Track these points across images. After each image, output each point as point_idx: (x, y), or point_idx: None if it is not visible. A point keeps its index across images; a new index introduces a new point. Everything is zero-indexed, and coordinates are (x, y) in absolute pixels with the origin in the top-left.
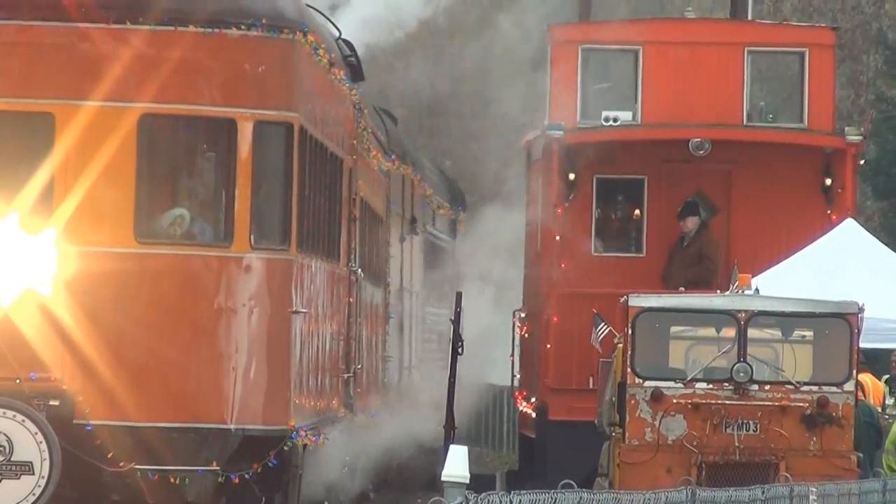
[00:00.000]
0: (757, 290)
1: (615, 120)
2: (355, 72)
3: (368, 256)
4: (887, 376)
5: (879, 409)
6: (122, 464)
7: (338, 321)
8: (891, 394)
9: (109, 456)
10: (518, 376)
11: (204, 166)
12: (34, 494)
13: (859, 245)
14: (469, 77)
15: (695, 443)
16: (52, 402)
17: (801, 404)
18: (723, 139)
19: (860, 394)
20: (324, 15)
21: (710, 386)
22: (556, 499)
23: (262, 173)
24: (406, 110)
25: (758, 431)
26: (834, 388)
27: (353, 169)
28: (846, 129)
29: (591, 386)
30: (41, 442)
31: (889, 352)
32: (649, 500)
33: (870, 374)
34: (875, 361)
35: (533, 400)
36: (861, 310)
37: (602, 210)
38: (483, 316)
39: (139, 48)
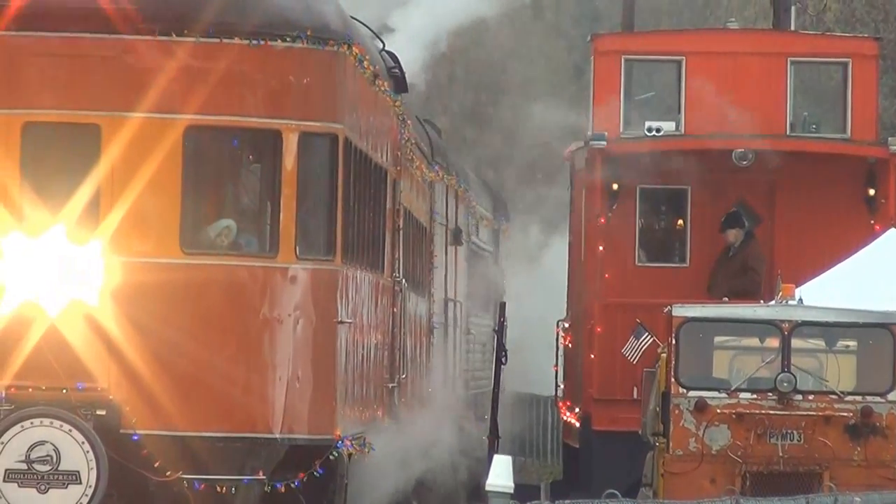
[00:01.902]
0: (800, 300)
1: (658, 130)
2: (399, 83)
3: (412, 267)
4: None
5: None
6: (168, 473)
7: (382, 331)
8: None
9: (156, 465)
10: (561, 386)
11: (249, 177)
12: (81, 503)
13: None
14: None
15: (739, 453)
16: (98, 412)
17: (845, 414)
18: (766, 150)
19: None
20: (368, 27)
21: (754, 396)
22: None
23: (307, 184)
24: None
25: (801, 441)
26: (878, 398)
27: (397, 180)
28: (889, 139)
29: (634, 396)
30: (88, 451)
31: None
32: None
33: None
34: None
35: (577, 410)
36: None
37: (645, 220)
38: (526, 326)
39: (185, 60)
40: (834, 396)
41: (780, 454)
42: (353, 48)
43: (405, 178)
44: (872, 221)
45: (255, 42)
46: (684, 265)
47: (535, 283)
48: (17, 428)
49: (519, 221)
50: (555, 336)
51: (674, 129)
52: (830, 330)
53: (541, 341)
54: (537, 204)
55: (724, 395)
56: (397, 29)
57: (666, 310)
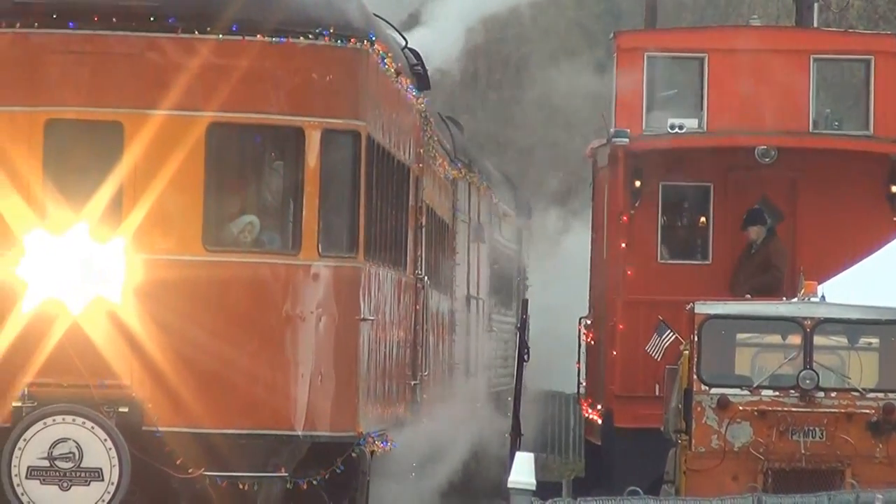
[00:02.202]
0: (823, 297)
1: (681, 127)
2: (421, 80)
3: (435, 264)
4: None
5: None
6: (190, 470)
7: (405, 328)
8: None
9: (178, 462)
10: (584, 383)
11: (271, 175)
12: (103, 501)
13: None
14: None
15: (761, 450)
16: (121, 409)
17: (867, 411)
18: (789, 146)
19: None
20: (390, 23)
21: (776, 393)
22: None
23: (329, 181)
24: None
25: (824, 438)
26: None
27: (419, 177)
28: None
29: (656, 393)
30: (111, 448)
31: None
32: None
33: None
34: None
35: (599, 407)
36: None
37: (668, 217)
38: (549, 323)
39: (207, 57)
40: (856, 393)
41: (802, 451)
42: (376, 45)
43: (427, 175)
44: (895, 218)
45: (277, 39)
46: (706, 262)
47: (557, 279)
48: (39, 425)
49: (541, 218)
50: (577, 333)
51: (696, 126)
52: (853, 327)
53: (563, 338)
54: (560, 201)
55: (746, 392)
56: (425, 22)
57: (688, 307)
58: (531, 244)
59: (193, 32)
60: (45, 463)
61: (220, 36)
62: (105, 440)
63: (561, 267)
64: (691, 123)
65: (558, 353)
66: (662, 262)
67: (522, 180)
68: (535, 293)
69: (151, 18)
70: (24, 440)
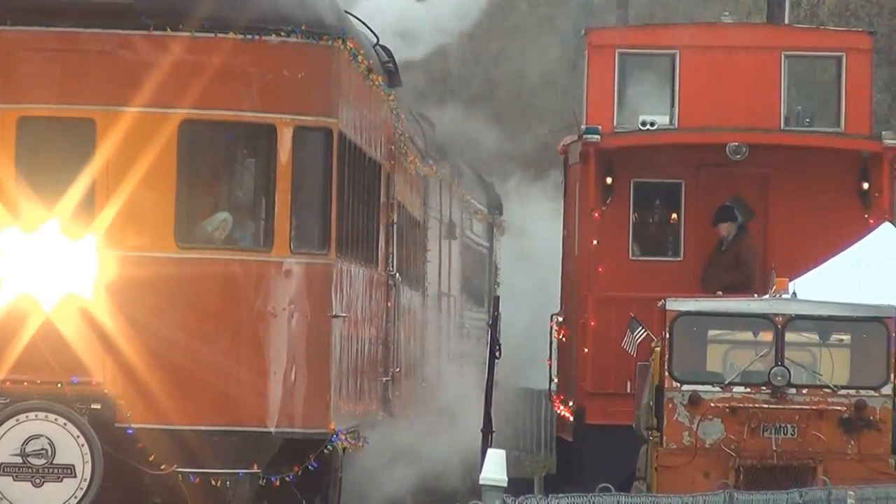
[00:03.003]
0: (794, 293)
1: (652, 124)
2: (393, 77)
3: (406, 261)
4: None
5: None
6: (163, 467)
7: (376, 325)
8: None
9: (151, 459)
10: (555, 380)
11: (244, 172)
12: (76, 497)
13: None
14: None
15: (732, 446)
16: (93, 406)
17: (839, 408)
18: (760, 143)
19: None
20: (361, 21)
21: (748, 390)
22: (593, 502)
23: (301, 178)
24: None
25: (795, 435)
26: (871, 392)
27: (391, 174)
28: (883, 132)
29: (628, 390)
30: (83, 445)
31: None
32: (687, 503)
33: None
34: None
35: (570, 403)
36: None
37: (639, 214)
38: (520, 320)
39: (179, 55)
40: (828, 390)
41: (774, 448)
42: (348, 43)
43: (399, 172)
44: (866, 215)
45: (249, 36)
46: (678, 259)
47: (529, 276)
48: (12, 422)
49: (513, 215)
50: (549, 330)
51: (668, 122)
52: (824, 324)
53: (535, 335)
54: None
55: (717, 388)
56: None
57: (660, 304)
58: (503, 241)
59: (166, 30)
60: (18, 459)
61: (193, 33)
62: (78, 437)
63: (533, 264)
64: (662, 120)
65: (530, 351)
66: (634, 258)
67: (494, 177)
68: (507, 290)
69: (124, 16)
70: None
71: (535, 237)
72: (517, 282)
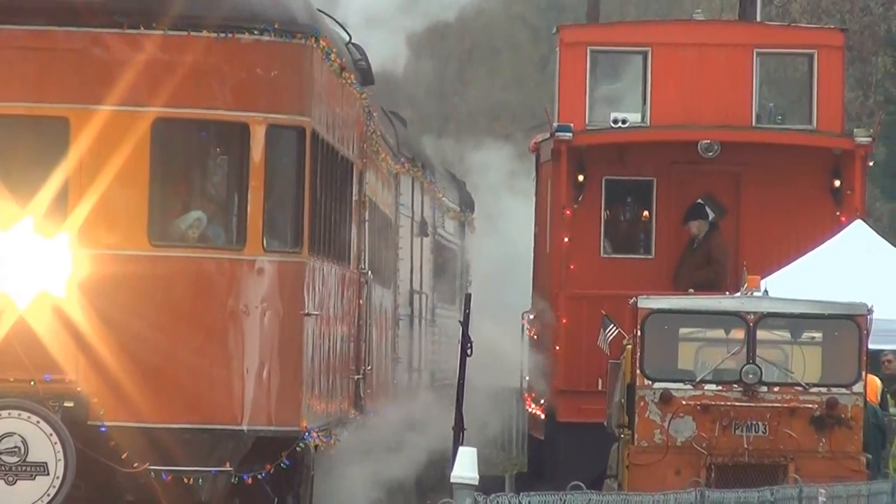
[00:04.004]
0: (766, 291)
1: (624, 122)
2: (365, 76)
3: (378, 258)
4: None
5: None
6: (135, 464)
7: (348, 323)
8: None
9: (123, 457)
10: (527, 378)
11: (217, 170)
12: (49, 495)
13: (868, 247)
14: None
15: (704, 444)
16: (66, 404)
17: (811, 406)
18: (732, 141)
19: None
20: (334, 19)
21: (719, 387)
22: (565, 500)
23: (274, 177)
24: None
25: (767, 433)
26: (843, 390)
27: (363, 171)
28: (855, 130)
29: (599, 388)
30: (56, 443)
31: (879, 352)
32: (658, 501)
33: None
34: (876, 362)
35: (542, 402)
36: (870, 311)
37: (611, 212)
38: (492, 318)
39: (153, 53)
40: (799, 388)
41: (746, 446)
42: (321, 41)
43: (371, 170)
44: (838, 213)
45: (222, 35)
46: (649, 257)
47: (500, 274)
48: None
49: (485, 213)
50: (520, 327)
51: (639, 120)
52: (796, 321)
53: (506, 333)
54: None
55: (689, 386)
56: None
57: (631, 301)
58: (475, 238)
59: (139, 28)
60: None
61: (166, 32)
62: (50, 434)
63: (504, 261)
64: (634, 118)
65: (502, 348)
66: (605, 256)
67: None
68: (479, 287)
69: (97, 14)
70: None
71: (506, 235)
72: (489, 279)
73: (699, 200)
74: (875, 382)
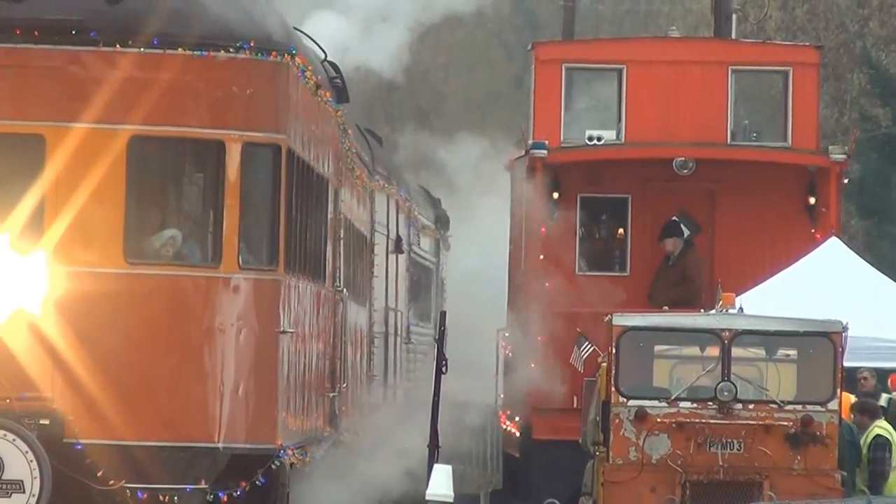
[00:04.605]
0: (741, 308)
1: (599, 139)
2: (340, 93)
3: (353, 276)
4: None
5: None
6: (111, 482)
7: (324, 340)
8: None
9: (99, 474)
10: (502, 395)
11: (192, 188)
12: None
13: (843, 264)
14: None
15: (679, 462)
16: (42, 422)
17: (786, 423)
18: (707, 158)
19: None
20: (310, 37)
21: (695, 405)
22: None
23: (250, 194)
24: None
25: (742, 450)
26: (818, 407)
27: (338, 189)
28: (830, 147)
29: (575, 405)
30: (32, 461)
31: (855, 369)
32: None
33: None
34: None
35: (517, 419)
36: (845, 329)
37: (586, 229)
38: (467, 335)
39: (129, 71)
40: (774, 405)
41: (721, 463)
42: (296, 59)
43: (346, 187)
44: (813, 230)
45: (198, 53)
46: (625, 274)
47: (476, 291)
48: None
49: (460, 230)
50: (496, 345)
51: (614, 137)
52: (771, 339)
53: (482, 350)
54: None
55: (664, 404)
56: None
57: (606, 319)
58: (450, 256)
59: (115, 46)
60: None
61: (142, 49)
62: (26, 452)
63: (479, 279)
64: (609, 135)
65: (477, 366)
66: (581, 273)
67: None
68: (455, 305)
69: (73, 32)
70: None
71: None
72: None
73: (674, 218)
74: (849, 400)
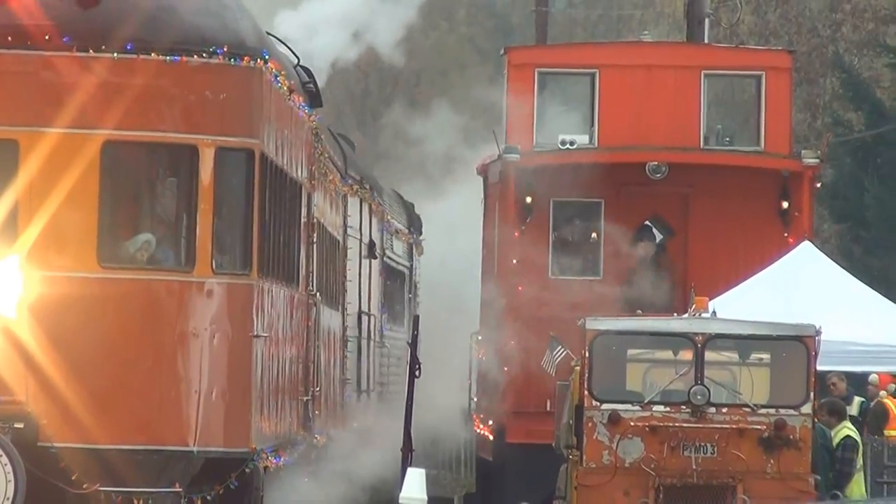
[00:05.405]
0: (714, 312)
1: (572, 143)
2: (313, 98)
3: (327, 280)
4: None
5: None
6: (85, 486)
7: (297, 344)
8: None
9: (73, 478)
10: (475, 399)
11: (166, 192)
12: None
13: (816, 268)
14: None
15: (652, 465)
16: (16, 425)
17: (759, 427)
18: (680, 162)
19: None
20: (283, 42)
21: (668, 408)
22: None
23: (223, 199)
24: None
25: (715, 454)
26: (791, 411)
27: (311, 193)
28: (803, 152)
29: (548, 409)
30: (6, 464)
31: (825, 374)
32: None
33: None
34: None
35: (490, 423)
36: (818, 332)
37: (559, 233)
38: (441, 339)
39: (102, 75)
40: (747, 409)
41: (694, 467)
42: (269, 64)
43: (319, 191)
44: (786, 234)
45: (171, 58)
46: (598, 278)
47: (449, 296)
48: None
49: (433, 234)
50: (469, 349)
51: (587, 141)
52: (744, 343)
53: (455, 354)
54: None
55: (637, 407)
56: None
57: (579, 323)
58: (423, 260)
59: (88, 51)
60: None
61: (115, 55)
62: (0, 456)
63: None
64: (582, 139)
65: (451, 369)
66: (553, 277)
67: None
68: (428, 309)
69: (47, 37)
70: None
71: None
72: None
73: (647, 222)
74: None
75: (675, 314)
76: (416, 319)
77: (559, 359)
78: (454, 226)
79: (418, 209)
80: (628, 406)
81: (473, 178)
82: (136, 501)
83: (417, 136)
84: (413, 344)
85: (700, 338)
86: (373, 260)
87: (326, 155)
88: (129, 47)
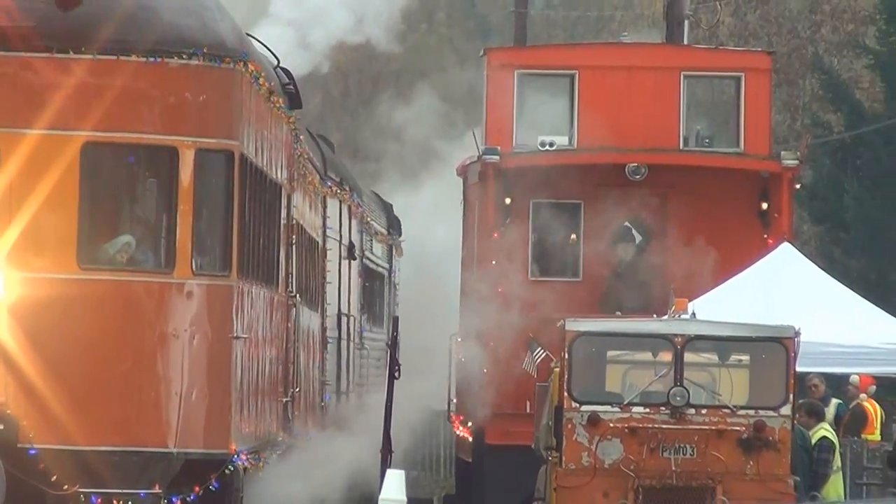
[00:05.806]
0: (693, 314)
1: (551, 144)
2: (293, 99)
3: (306, 281)
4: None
5: None
6: (65, 487)
7: (276, 346)
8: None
9: (53, 479)
10: (455, 400)
11: (146, 194)
12: None
13: (796, 269)
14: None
15: (631, 467)
16: None
17: (738, 428)
18: (659, 163)
19: None
20: (263, 44)
21: (647, 410)
22: None
23: (203, 201)
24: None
25: (695, 455)
26: (770, 412)
27: (290, 195)
28: (782, 153)
29: (528, 410)
30: None
31: (805, 375)
32: None
33: None
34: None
35: (470, 424)
36: (797, 334)
37: (538, 234)
38: (420, 340)
39: (82, 77)
40: (727, 410)
41: (673, 468)
42: (249, 65)
43: (299, 193)
44: (766, 236)
45: (151, 59)
46: (577, 279)
47: (428, 297)
48: None
49: (412, 236)
50: (448, 350)
51: (567, 143)
52: (723, 344)
53: (435, 355)
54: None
55: (616, 409)
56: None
57: (559, 324)
58: (403, 261)
59: (68, 52)
60: None
61: (95, 56)
62: None
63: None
64: (562, 140)
65: (430, 371)
66: (533, 279)
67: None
68: (407, 310)
69: (26, 38)
70: None
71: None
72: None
73: (626, 223)
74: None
75: (655, 315)
76: (395, 321)
77: (538, 360)
78: (433, 227)
79: (397, 210)
80: (608, 407)
81: (452, 178)
82: (115, 502)
83: (398, 125)
84: (392, 345)
85: (679, 339)
86: (352, 261)
87: (306, 156)
88: (108, 49)
